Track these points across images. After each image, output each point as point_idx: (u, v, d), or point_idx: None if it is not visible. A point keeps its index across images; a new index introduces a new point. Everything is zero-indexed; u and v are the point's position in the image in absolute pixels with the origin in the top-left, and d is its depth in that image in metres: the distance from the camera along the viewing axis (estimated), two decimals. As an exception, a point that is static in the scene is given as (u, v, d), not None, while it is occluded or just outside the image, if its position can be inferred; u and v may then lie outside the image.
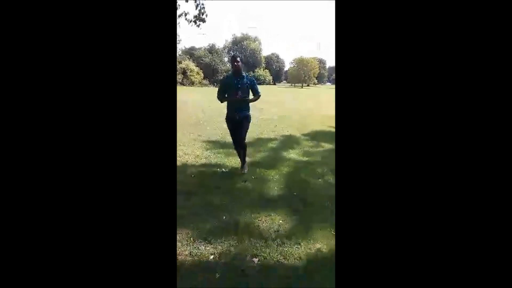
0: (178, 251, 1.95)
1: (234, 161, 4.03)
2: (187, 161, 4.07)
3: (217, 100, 3.53)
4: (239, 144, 3.58)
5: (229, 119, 3.53)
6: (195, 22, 5.55)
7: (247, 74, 3.59)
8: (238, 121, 3.48)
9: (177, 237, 2.09)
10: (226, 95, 3.44)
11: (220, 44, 58.64)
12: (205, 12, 5.46)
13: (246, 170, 3.64)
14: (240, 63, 3.37)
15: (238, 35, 58.81)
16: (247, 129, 3.58)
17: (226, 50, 58.89)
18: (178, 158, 4.10)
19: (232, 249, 2.01)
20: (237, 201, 2.76)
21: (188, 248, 2.00)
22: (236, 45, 57.62)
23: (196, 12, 5.48)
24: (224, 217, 2.44)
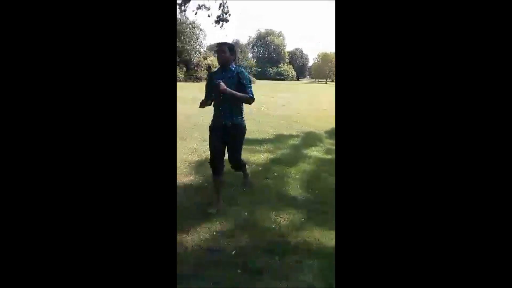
0: (199, 245, 2.01)
1: (257, 157, 4.06)
2: (210, 157, 4.14)
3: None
4: (233, 165, 2.70)
5: (214, 126, 2.54)
6: (217, 22, 5.65)
7: (237, 66, 2.53)
8: (225, 129, 2.48)
9: (199, 231, 2.16)
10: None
11: (244, 40, 58.66)
12: (228, 11, 5.53)
13: (248, 186, 2.99)
14: (227, 54, 2.40)
15: (262, 30, 58.77)
16: (241, 144, 2.61)
17: (250, 46, 59.11)
18: (201, 154, 4.19)
19: (252, 245, 2.04)
20: (258, 198, 2.79)
21: (209, 243, 2.05)
22: (260, 41, 57.62)
23: (219, 12, 5.57)
24: (245, 213, 2.48)
